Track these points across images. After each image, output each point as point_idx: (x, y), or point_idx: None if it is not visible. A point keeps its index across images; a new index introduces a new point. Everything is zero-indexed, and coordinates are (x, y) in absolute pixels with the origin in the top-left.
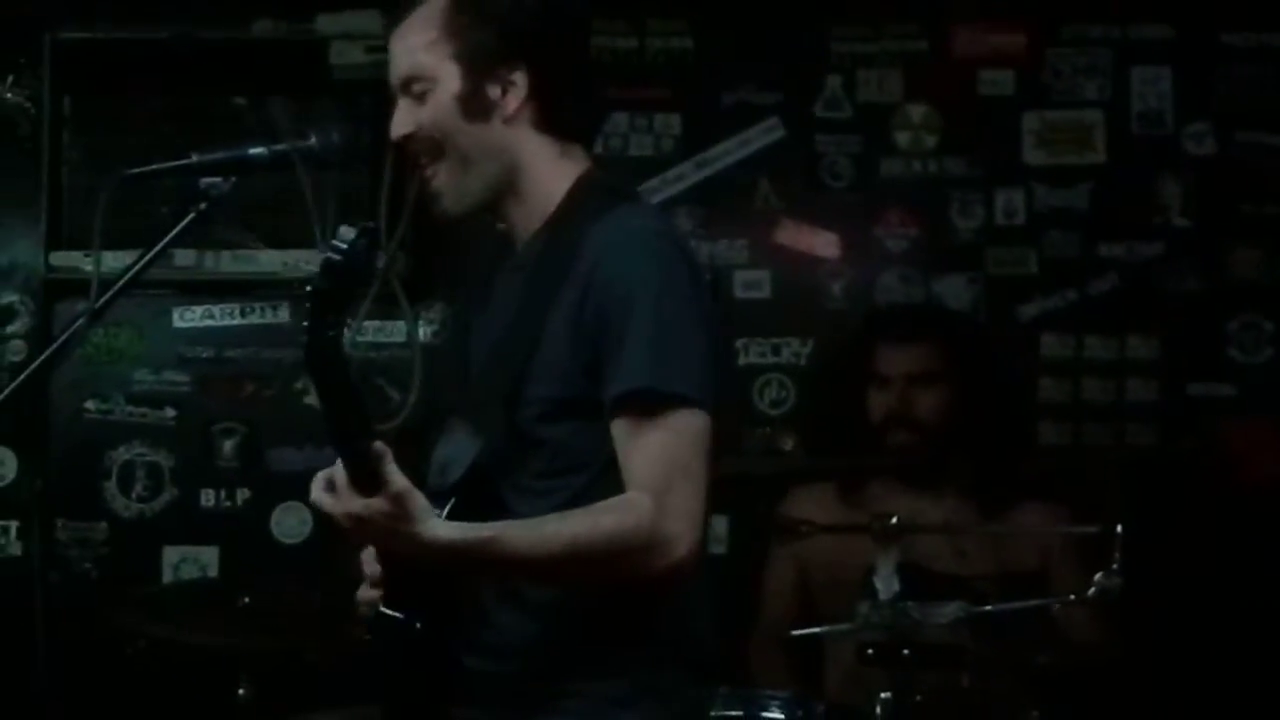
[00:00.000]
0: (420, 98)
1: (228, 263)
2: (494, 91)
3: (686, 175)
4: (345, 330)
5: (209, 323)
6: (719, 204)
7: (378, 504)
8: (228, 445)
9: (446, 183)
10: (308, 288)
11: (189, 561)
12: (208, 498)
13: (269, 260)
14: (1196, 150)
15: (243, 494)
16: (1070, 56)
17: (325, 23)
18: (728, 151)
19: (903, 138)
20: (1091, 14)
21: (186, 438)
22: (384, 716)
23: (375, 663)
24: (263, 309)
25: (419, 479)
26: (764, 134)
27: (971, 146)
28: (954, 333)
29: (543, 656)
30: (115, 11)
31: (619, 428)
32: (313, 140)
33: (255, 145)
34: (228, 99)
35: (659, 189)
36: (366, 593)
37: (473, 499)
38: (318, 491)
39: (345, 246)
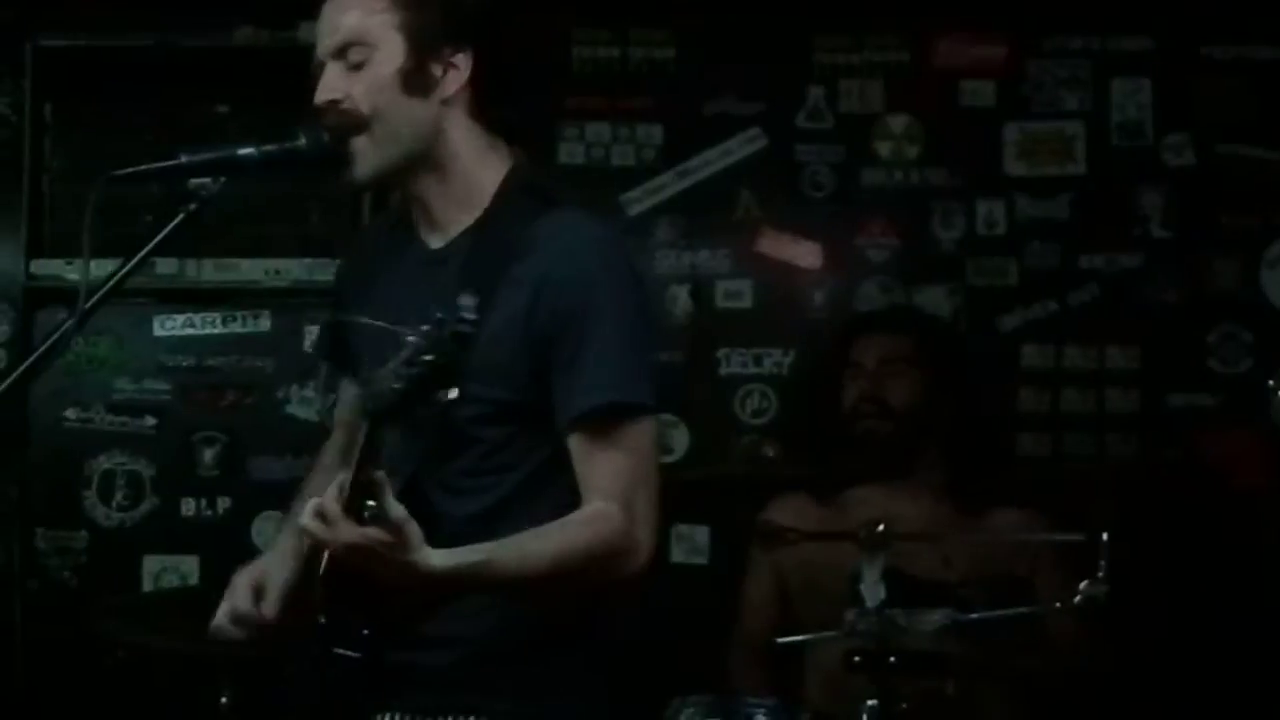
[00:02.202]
0: (357, 66)
1: (209, 271)
2: (436, 70)
3: (668, 185)
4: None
5: (190, 331)
6: (700, 214)
7: (375, 534)
8: (208, 454)
9: (366, 151)
10: (428, 357)
11: (169, 571)
12: (188, 507)
13: (251, 269)
14: (1176, 161)
15: (223, 503)
16: (1051, 68)
17: (307, 30)
18: (709, 161)
19: (884, 148)
20: (1072, 26)
21: (167, 446)
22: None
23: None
24: (244, 318)
25: None
26: (745, 144)
27: (952, 157)
28: (929, 329)
29: (471, 646)
30: (97, 19)
31: (582, 437)
32: (302, 141)
33: (244, 146)
34: (210, 107)
35: (640, 199)
36: (223, 623)
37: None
38: (310, 521)
39: (473, 317)
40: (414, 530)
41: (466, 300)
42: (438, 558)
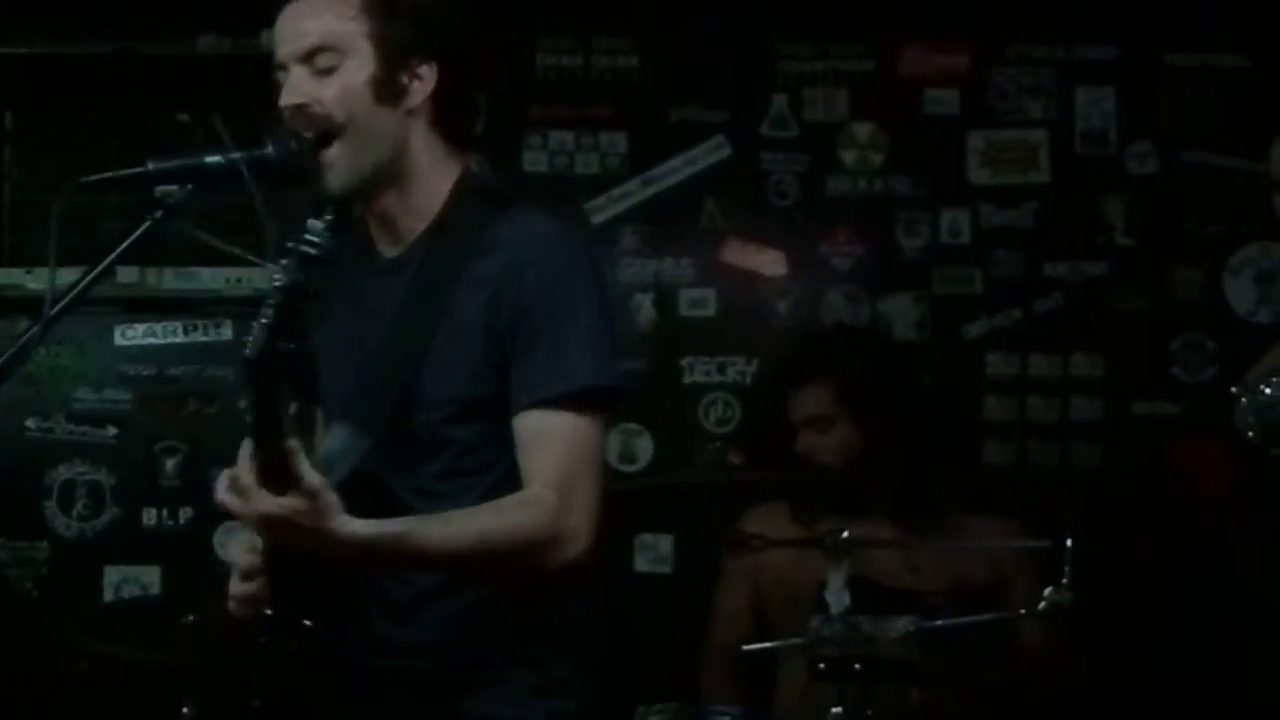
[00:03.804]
0: (326, 72)
1: (170, 280)
2: (404, 80)
3: (632, 193)
4: (301, 335)
5: (151, 340)
6: (665, 222)
7: (291, 502)
8: (170, 464)
9: (339, 161)
10: (276, 280)
11: (131, 581)
12: (149, 517)
13: (212, 278)
14: (1140, 170)
15: (185, 513)
16: (1015, 76)
17: (271, 38)
18: (673, 170)
19: (848, 156)
20: (1036, 34)
21: (128, 456)
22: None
23: (266, 665)
24: (206, 327)
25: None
26: (710, 152)
27: (917, 166)
28: (851, 369)
29: (457, 652)
30: (58, 26)
31: (527, 424)
32: (270, 149)
33: (211, 154)
34: (172, 115)
35: (605, 207)
36: (238, 586)
37: (363, 499)
38: (223, 493)
39: (319, 240)
40: (331, 497)
41: (314, 222)
42: (358, 525)
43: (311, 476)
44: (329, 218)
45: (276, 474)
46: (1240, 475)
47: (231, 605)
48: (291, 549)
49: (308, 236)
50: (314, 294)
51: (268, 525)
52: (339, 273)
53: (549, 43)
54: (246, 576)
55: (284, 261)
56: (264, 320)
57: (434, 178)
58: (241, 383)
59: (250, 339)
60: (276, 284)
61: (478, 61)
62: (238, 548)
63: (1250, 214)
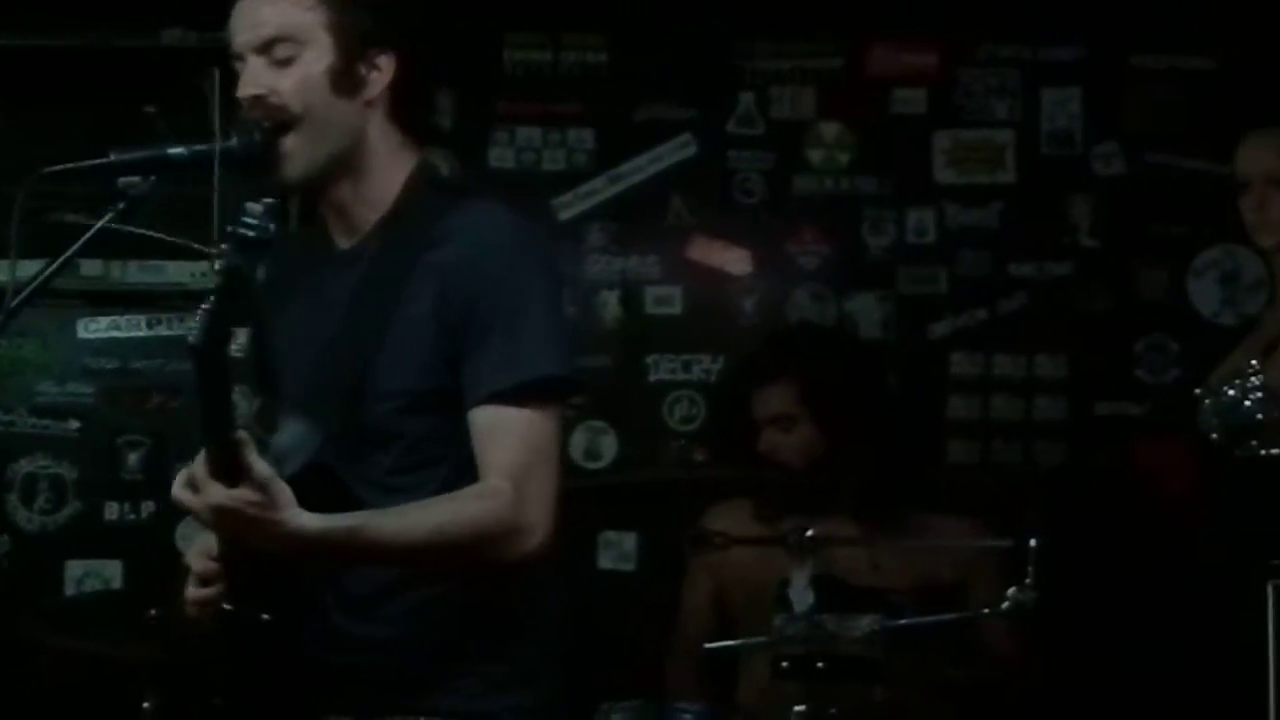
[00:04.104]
0: (284, 63)
1: (134, 273)
2: (362, 71)
3: (599, 190)
4: (240, 318)
5: (115, 334)
6: (631, 219)
7: (242, 493)
8: (133, 458)
9: (296, 151)
10: (217, 265)
11: (92, 575)
12: (112, 510)
13: (177, 271)
14: (1105, 171)
15: (147, 507)
16: (982, 77)
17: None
18: (640, 167)
19: (815, 155)
20: (1003, 35)
21: (91, 450)
22: (239, 712)
23: (222, 662)
24: (170, 320)
25: None
26: (677, 150)
27: (883, 165)
28: (814, 369)
29: (415, 648)
30: (23, 19)
31: (483, 416)
32: (234, 141)
33: (175, 145)
34: (138, 108)
35: (572, 204)
36: (195, 591)
37: (317, 493)
38: (179, 489)
39: (257, 223)
40: (282, 488)
41: (252, 205)
42: (309, 519)
43: (261, 468)
44: (269, 201)
45: (227, 466)
46: (1203, 476)
47: (189, 610)
48: (245, 543)
49: (245, 219)
50: (255, 278)
51: (219, 518)
52: (295, 265)
53: (517, 38)
54: (204, 581)
55: (223, 246)
56: (206, 306)
57: (390, 169)
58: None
59: (194, 326)
60: (216, 269)
61: (437, 53)
62: (194, 552)
63: (1215, 216)
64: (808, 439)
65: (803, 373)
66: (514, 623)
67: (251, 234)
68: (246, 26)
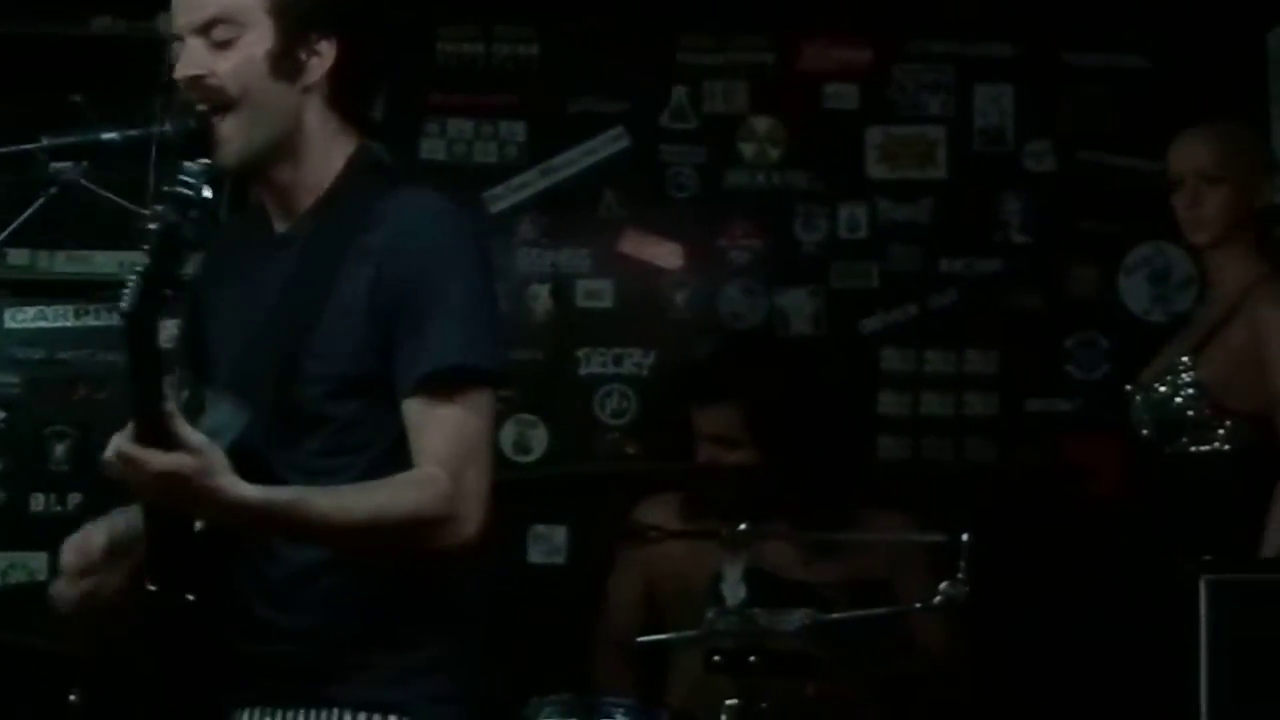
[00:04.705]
0: (223, 45)
1: (62, 263)
2: (302, 56)
3: (531, 183)
4: (175, 282)
5: (42, 324)
6: (563, 212)
7: (180, 458)
8: (59, 449)
9: (232, 134)
10: (152, 225)
11: (17, 567)
12: (38, 502)
13: (105, 261)
14: (1037, 168)
15: (74, 499)
16: (914, 72)
17: (166, 21)
18: (572, 160)
19: (748, 150)
20: (936, 31)
21: (17, 441)
22: (155, 698)
23: (146, 643)
24: (98, 310)
25: None
26: (609, 143)
27: (816, 160)
28: (761, 393)
29: (328, 637)
30: None
31: (417, 403)
32: (167, 126)
33: (108, 130)
34: (65, 96)
35: (503, 196)
36: (60, 588)
37: (242, 473)
38: (113, 455)
39: (195, 182)
40: (218, 454)
41: (189, 165)
42: (248, 488)
43: (194, 435)
44: (205, 161)
45: (156, 438)
46: (1134, 472)
47: (62, 607)
48: (176, 513)
49: (183, 178)
50: (191, 238)
51: (160, 483)
52: (232, 249)
53: (450, 30)
54: (83, 573)
55: (159, 207)
56: (139, 269)
57: (327, 154)
58: (119, 340)
59: (126, 291)
60: (152, 228)
61: (379, 40)
62: (69, 547)
63: (1146, 213)
64: (748, 458)
65: (748, 398)
66: (430, 612)
67: (190, 193)
68: (187, 8)
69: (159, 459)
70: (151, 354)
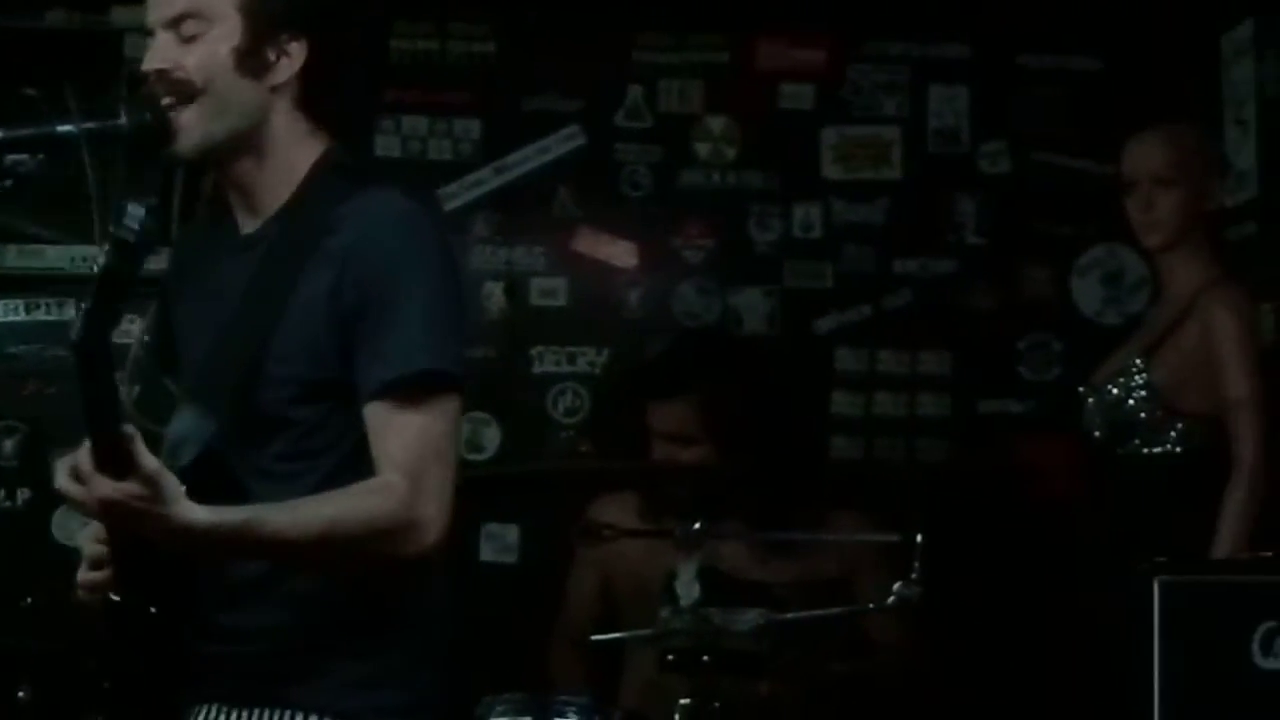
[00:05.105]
0: (191, 39)
1: (13, 258)
2: (271, 55)
3: (485, 181)
4: (121, 316)
5: None
6: (517, 210)
7: (130, 487)
8: (8, 444)
9: (192, 125)
10: (95, 268)
11: None
12: None
13: (56, 255)
14: (991, 169)
15: (23, 494)
16: (870, 73)
17: (120, 14)
18: (527, 158)
19: (702, 149)
20: (891, 32)
21: None
22: (113, 703)
23: (107, 649)
24: (48, 305)
25: None
26: (564, 141)
27: (770, 160)
28: (716, 390)
29: (288, 639)
30: None
31: (379, 408)
32: (123, 120)
33: (65, 122)
34: (19, 89)
35: (457, 194)
36: (86, 574)
37: (208, 481)
38: (63, 479)
39: (137, 226)
40: (170, 481)
41: (133, 208)
42: (198, 512)
43: (149, 461)
44: (151, 201)
45: (114, 460)
46: (1086, 474)
47: (80, 594)
48: (133, 534)
49: (125, 223)
50: (134, 280)
51: (107, 511)
52: (200, 250)
53: (405, 26)
54: (95, 565)
55: (105, 247)
56: (85, 306)
57: (294, 155)
58: (72, 371)
59: (75, 324)
60: (96, 270)
61: (348, 42)
62: (86, 537)
63: (1099, 215)
64: (703, 455)
65: (703, 394)
66: (388, 619)
67: (131, 238)
68: (158, 3)
69: (107, 488)
70: (104, 379)
